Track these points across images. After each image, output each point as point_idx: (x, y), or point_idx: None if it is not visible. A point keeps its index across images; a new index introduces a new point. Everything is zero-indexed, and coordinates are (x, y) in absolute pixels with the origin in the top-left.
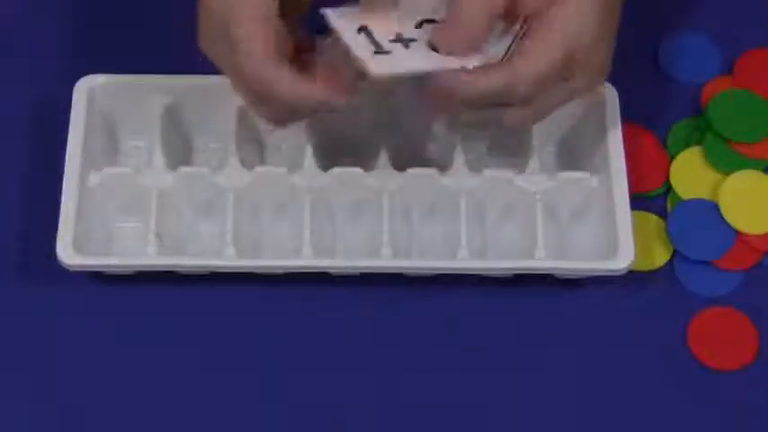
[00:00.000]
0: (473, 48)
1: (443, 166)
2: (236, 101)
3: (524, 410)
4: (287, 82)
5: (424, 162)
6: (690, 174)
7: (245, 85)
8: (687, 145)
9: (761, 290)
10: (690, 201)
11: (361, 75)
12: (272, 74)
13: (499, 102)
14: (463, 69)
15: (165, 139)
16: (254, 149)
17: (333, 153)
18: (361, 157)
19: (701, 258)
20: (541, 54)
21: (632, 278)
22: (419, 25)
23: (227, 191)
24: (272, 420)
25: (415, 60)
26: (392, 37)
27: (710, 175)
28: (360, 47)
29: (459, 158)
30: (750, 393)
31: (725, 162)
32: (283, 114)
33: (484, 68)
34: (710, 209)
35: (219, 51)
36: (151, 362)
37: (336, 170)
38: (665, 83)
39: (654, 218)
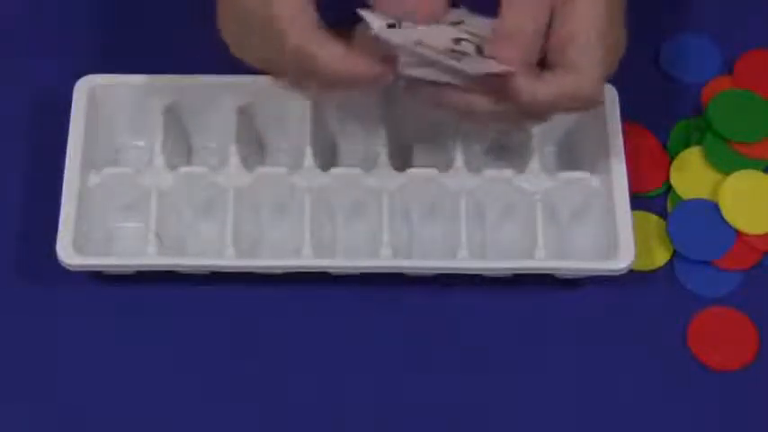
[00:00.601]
0: (529, 59)
1: (442, 166)
2: (236, 101)
3: (524, 410)
4: (334, 54)
5: (422, 163)
6: (690, 174)
7: (287, 62)
8: (687, 145)
9: (761, 290)
10: (690, 201)
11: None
12: (317, 46)
13: (562, 109)
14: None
15: (165, 138)
16: (254, 149)
17: (332, 153)
18: (359, 158)
19: (701, 258)
20: (592, 65)
21: (632, 278)
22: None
23: (227, 191)
24: (273, 420)
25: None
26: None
27: (711, 175)
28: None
29: (459, 158)
30: (750, 393)
31: (725, 162)
32: (325, 89)
33: (554, 76)
34: (711, 209)
35: (252, 36)
36: (151, 362)
37: (336, 170)
38: (666, 83)
39: (654, 218)
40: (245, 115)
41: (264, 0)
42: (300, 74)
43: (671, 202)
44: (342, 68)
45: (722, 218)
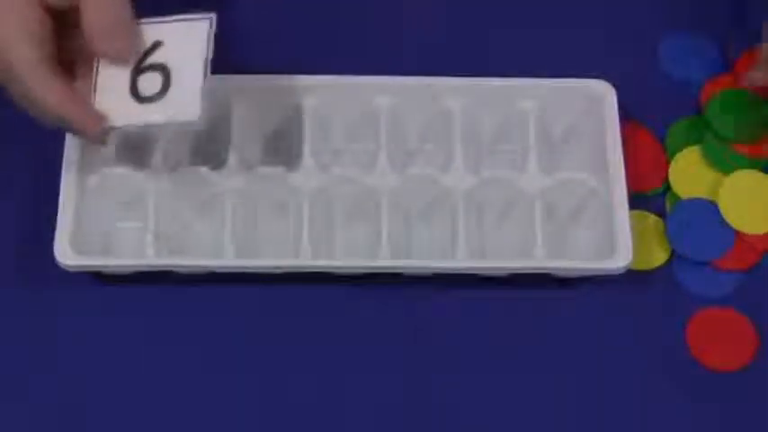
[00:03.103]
0: None
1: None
2: (236, 100)
3: (524, 409)
4: (56, 94)
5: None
6: (689, 173)
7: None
8: (686, 144)
9: (760, 290)
10: (689, 200)
11: None
12: (42, 83)
13: None
14: None
15: (164, 138)
16: (253, 149)
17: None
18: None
19: (700, 259)
20: None
21: (631, 278)
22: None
23: (227, 191)
24: (272, 420)
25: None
26: None
27: (709, 175)
28: None
29: (457, 158)
30: (749, 393)
31: (724, 162)
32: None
33: None
34: (709, 209)
35: None
36: (150, 362)
37: (335, 170)
38: (665, 82)
39: (653, 217)
40: (245, 115)
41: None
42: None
43: (669, 201)
44: (62, 113)
45: (721, 218)
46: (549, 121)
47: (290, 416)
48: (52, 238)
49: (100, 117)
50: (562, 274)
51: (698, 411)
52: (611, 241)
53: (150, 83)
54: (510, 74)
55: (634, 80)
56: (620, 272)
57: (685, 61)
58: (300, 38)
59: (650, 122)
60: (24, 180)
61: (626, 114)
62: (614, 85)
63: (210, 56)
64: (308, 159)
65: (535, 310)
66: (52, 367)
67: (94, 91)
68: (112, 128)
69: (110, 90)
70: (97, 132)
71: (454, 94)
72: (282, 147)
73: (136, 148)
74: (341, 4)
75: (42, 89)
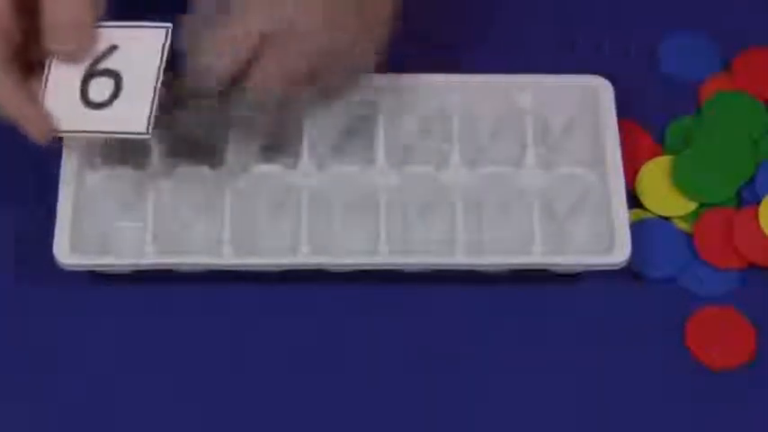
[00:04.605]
0: None
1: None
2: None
3: (523, 408)
4: (4, 91)
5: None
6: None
7: None
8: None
9: (759, 289)
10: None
11: None
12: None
13: None
14: None
15: (162, 138)
16: (251, 148)
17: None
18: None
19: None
20: None
21: (631, 276)
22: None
23: (225, 190)
24: (272, 420)
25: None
26: None
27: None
28: None
29: (455, 155)
30: (748, 392)
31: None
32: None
33: None
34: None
35: None
36: (150, 361)
37: (333, 168)
38: (663, 80)
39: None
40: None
41: None
42: None
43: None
44: (8, 111)
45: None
46: (548, 118)
47: (290, 415)
48: (51, 238)
49: (47, 120)
50: (561, 270)
51: (696, 410)
52: (609, 237)
53: (101, 88)
54: (508, 70)
55: (633, 79)
56: (619, 267)
57: (683, 60)
58: None
59: (648, 121)
60: (24, 179)
61: (624, 113)
62: (612, 84)
63: (163, 66)
64: (306, 158)
65: (534, 307)
66: (52, 367)
67: (44, 90)
68: (58, 132)
69: (59, 91)
70: (43, 135)
71: (452, 90)
72: (281, 145)
73: (134, 150)
74: None
75: None
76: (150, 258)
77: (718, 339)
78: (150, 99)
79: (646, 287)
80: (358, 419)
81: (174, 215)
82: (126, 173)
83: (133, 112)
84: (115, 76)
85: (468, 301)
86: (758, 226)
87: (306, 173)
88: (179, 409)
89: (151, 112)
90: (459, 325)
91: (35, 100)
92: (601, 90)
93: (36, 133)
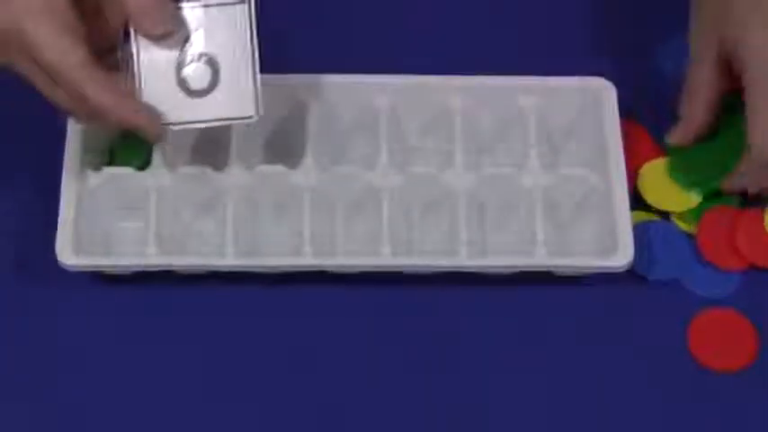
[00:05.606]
0: None
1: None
2: None
3: (524, 408)
4: (100, 87)
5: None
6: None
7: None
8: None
9: (761, 291)
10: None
11: None
12: (86, 76)
13: None
14: None
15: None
16: (253, 148)
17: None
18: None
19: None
20: None
21: (633, 277)
22: None
23: (227, 190)
24: (272, 420)
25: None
26: None
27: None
28: None
29: (458, 156)
30: (749, 394)
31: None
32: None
33: None
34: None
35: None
36: (151, 362)
37: (336, 169)
38: (664, 81)
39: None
40: None
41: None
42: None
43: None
44: (120, 114)
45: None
46: (550, 119)
47: (291, 415)
48: (53, 238)
49: (158, 116)
50: (563, 272)
51: (697, 412)
52: (612, 239)
53: (199, 75)
54: (510, 72)
55: (634, 79)
56: (621, 269)
57: (685, 61)
58: (302, 37)
59: (649, 122)
60: (25, 180)
61: (625, 114)
62: (614, 85)
63: (256, 40)
64: (309, 158)
65: (536, 309)
66: (52, 367)
67: (139, 85)
68: (169, 125)
69: (156, 84)
70: (160, 133)
71: (455, 92)
72: (283, 145)
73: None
74: (342, 4)
75: (95, 90)
76: (152, 259)
77: (719, 341)
78: (252, 80)
79: (648, 288)
80: (359, 419)
81: (175, 216)
82: (128, 173)
83: (238, 96)
84: (210, 60)
85: (470, 301)
86: (762, 227)
87: (308, 173)
88: (179, 409)
89: (257, 93)
90: (460, 326)
91: (134, 97)
92: (603, 91)
93: (153, 131)
